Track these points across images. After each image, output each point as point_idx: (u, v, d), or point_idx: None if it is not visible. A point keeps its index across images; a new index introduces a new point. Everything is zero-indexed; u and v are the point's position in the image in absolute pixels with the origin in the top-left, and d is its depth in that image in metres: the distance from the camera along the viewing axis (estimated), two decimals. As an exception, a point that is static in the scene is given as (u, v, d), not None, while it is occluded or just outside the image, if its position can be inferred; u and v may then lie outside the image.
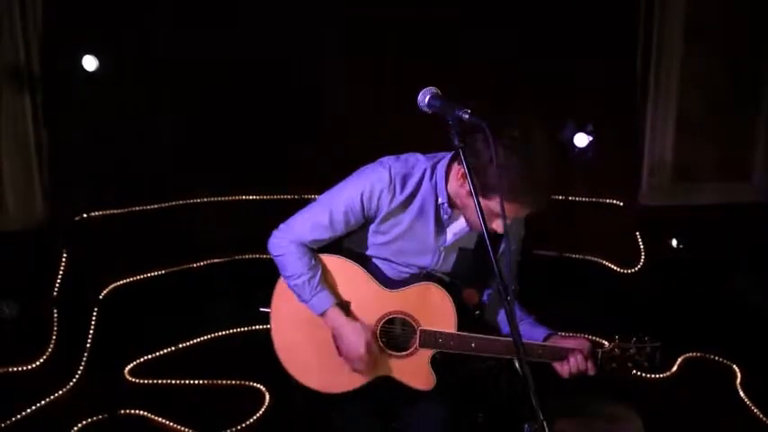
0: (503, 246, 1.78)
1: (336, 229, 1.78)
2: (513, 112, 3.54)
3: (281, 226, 1.84)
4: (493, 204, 1.52)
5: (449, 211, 1.76)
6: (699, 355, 3.33)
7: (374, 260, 1.85)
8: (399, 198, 1.73)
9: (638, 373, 3.19)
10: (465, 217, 1.73)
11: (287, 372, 1.86)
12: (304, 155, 3.51)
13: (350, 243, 1.87)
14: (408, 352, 1.81)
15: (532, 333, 1.82)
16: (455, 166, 1.69)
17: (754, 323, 3.38)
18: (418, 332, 1.80)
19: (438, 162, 1.76)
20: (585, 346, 1.77)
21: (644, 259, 3.70)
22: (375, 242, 1.82)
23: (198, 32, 3.43)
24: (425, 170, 1.75)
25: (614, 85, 3.73)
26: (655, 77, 3.79)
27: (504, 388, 2.36)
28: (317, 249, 1.85)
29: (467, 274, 1.86)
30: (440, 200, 1.74)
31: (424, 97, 1.54)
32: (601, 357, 1.79)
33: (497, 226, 1.58)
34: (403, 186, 1.72)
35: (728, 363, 3.24)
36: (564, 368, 1.75)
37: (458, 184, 1.67)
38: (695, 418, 2.80)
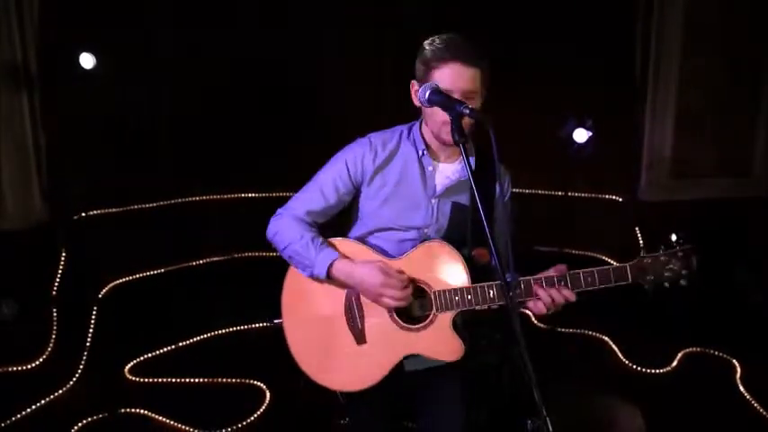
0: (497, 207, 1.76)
1: (329, 198, 1.79)
2: (513, 109, 3.54)
3: (277, 210, 1.86)
4: (437, 80, 1.64)
5: (430, 161, 1.78)
6: (699, 350, 3.34)
7: (375, 238, 1.82)
8: (381, 156, 1.78)
9: (638, 368, 3.23)
10: (437, 130, 1.70)
11: (307, 376, 1.79)
12: (304, 154, 3.48)
13: (348, 229, 1.88)
14: (427, 321, 1.72)
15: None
16: (413, 95, 1.75)
17: (753, 318, 3.39)
18: (432, 295, 1.71)
19: (414, 124, 1.84)
20: (558, 270, 1.67)
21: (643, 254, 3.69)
22: (369, 210, 1.81)
23: (197, 32, 3.43)
24: (402, 131, 1.83)
25: (613, 82, 3.74)
26: (654, 74, 3.80)
27: (506, 382, 2.36)
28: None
29: (466, 233, 1.78)
30: (419, 151, 1.78)
31: (424, 92, 1.59)
32: (631, 272, 1.67)
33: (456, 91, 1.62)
34: (383, 148, 1.79)
35: (728, 358, 3.25)
36: (537, 304, 1.66)
37: (417, 102, 1.72)
38: (695, 413, 2.80)
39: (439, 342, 1.72)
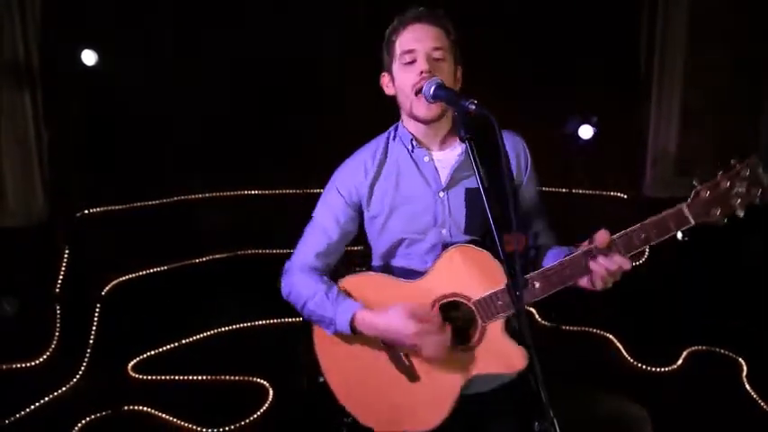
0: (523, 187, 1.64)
1: (331, 235, 1.67)
2: (518, 106, 3.52)
3: (285, 264, 1.73)
4: (398, 52, 1.59)
5: (424, 152, 1.64)
6: (704, 348, 3.31)
7: (396, 258, 1.67)
8: (372, 169, 1.66)
9: (644, 366, 3.21)
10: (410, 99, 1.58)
11: (365, 427, 1.63)
12: (306, 151, 3.50)
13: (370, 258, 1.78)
14: (478, 336, 1.53)
15: (557, 258, 1.52)
16: (384, 86, 1.68)
17: (759, 316, 3.36)
18: (473, 306, 1.52)
19: (398, 123, 1.73)
20: (599, 239, 1.42)
21: (648, 252, 3.67)
22: (377, 229, 1.67)
23: (198, 30, 3.43)
24: (389, 134, 1.72)
25: (618, 79, 3.71)
26: (658, 70, 3.78)
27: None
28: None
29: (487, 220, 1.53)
30: (408, 145, 1.65)
31: (429, 88, 1.52)
32: (691, 213, 1.40)
33: (418, 60, 1.56)
34: (373, 159, 1.68)
35: (734, 356, 3.22)
36: (595, 279, 1.43)
37: (389, 91, 1.67)
38: (701, 412, 2.78)
39: (498, 355, 1.52)
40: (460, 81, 1.67)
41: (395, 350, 1.59)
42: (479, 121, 1.38)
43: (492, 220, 1.31)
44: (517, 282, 1.31)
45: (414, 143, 1.64)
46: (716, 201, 1.38)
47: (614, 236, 1.43)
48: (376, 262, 1.74)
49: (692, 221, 1.40)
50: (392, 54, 1.62)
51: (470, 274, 1.52)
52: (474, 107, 1.38)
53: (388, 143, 1.70)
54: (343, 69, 3.61)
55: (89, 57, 3.01)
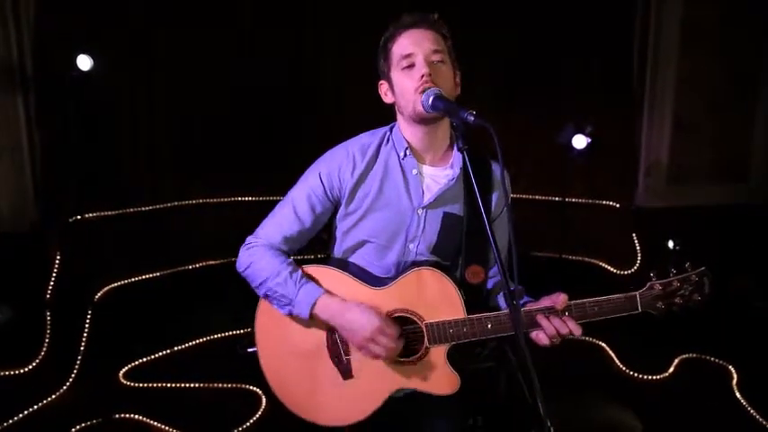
0: (500, 213, 1.63)
1: (304, 220, 1.62)
2: (511, 112, 3.55)
3: (247, 238, 1.68)
4: (396, 58, 1.57)
5: (414, 163, 1.61)
6: (695, 355, 3.34)
7: (356, 257, 1.66)
8: (360, 167, 1.61)
9: (636, 374, 3.22)
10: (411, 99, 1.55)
11: (291, 411, 1.66)
12: (302, 156, 3.48)
13: (330, 248, 1.75)
14: (420, 354, 1.58)
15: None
16: (382, 94, 1.66)
17: (750, 324, 3.39)
18: (424, 327, 1.57)
19: (394, 124, 1.68)
20: (558, 301, 1.51)
21: (640, 261, 3.70)
22: (348, 225, 1.64)
23: (195, 33, 3.42)
24: (384, 133, 1.67)
25: (610, 87, 3.75)
26: (651, 78, 3.82)
27: (502, 389, 2.34)
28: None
29: (457, 247, 1.62)
30: (400, 153, 1.62)
31: (427, 98, 1.51)
32: (641, 301, 1.53)
33: (418, 63, 1.54)
34: (363, 156, 1.62)
35: (724, 363, 3.25)
36: (539, 335, 1.52)
37: (387, 99, 1.64)
38: (692, 419, 2.80)
39: (433, 376, 1.59)
40: (459, 86, 1.64)
41: (337, 347, 1.63)
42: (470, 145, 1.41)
43: (496, 250, 1.35)
44: (515, 294, 1.34)
45: (407, 151, 1.62)
46: (663, 296, 1.53)
47: (571, 302, 1.53)
48: (336, 253, 1.70)
49: (640, 309, 1.54)
50: (389, 61, 1.60)
51: (431, 298, 1.58)
52: (473, 118, 1.37)
53: (381, 142, 1.66)
54: (344, 70, 3.61)
55: (84, 62, 3.00)
